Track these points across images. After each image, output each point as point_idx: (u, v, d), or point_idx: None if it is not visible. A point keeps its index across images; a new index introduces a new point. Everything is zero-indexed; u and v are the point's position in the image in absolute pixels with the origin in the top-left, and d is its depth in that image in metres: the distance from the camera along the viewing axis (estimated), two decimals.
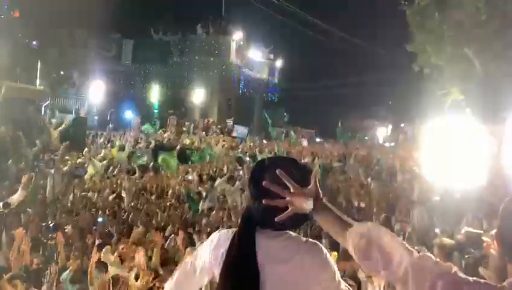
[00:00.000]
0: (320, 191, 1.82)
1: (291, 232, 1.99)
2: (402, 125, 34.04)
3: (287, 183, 1.76)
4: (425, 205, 7.78)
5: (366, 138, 34.07)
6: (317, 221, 1.83)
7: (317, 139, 33.70)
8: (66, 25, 32.72)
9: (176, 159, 16.15)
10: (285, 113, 39.06)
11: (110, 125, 26.09)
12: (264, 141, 25.69)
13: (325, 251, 1.97)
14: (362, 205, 9.23)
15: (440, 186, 7.58)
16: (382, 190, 10.16)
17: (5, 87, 14.13)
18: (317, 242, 1.99)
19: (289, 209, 1.77)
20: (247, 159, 16.29)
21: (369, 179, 12.39)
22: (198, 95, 31.53)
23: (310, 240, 2.00)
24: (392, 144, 30.64)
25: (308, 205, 1.77)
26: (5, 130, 14.13)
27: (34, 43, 23.83)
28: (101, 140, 19.80)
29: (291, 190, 1.76)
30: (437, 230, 6.70)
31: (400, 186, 10.68)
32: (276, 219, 1.78)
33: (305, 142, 27.62)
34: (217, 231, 2.16)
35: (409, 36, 21.00)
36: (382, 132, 38.50)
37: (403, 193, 9.49)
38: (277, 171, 1.77)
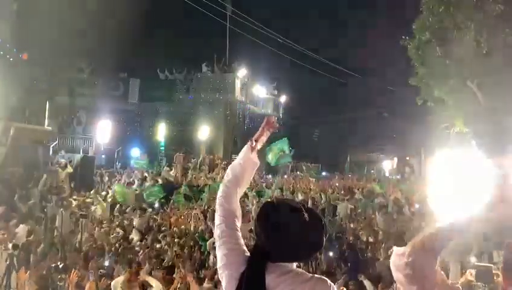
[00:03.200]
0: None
1: (298, 269, 2.07)
2: (407, 158, 34.04)
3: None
4: None
5: (372, 171, 34.04)
6: None
7: (323, 173, 33.69)
8: (74, 66, 33.45)
9: (182, 196, 16.19)
10: (290, 148, 39.11)
11: (118, 163, 26.22)
12: (269, 176, 25.68)
13: (332, 286, 2.01)
14: (371, 239, 9.20)
15: (446, 218, 7.54)
16: (389, 223, 10.14)
17: (14, 129, 14.35)
18: (324, 278, 2.04)
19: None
20: (253, 194, 16.32)
21: (376, 213, 12.37)
22: (204, 132, 31.75)
23: (316, 276, 2.05)
24: (398, 176, 30.58)
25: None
26: (13, 170, 14.26)
27: (43, 84, 24.25)
28: (108, 179, 19.87)
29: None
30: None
31: (407, 218, 10.65)
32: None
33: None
34: None
35: (412, 70, 21.25)
36: (388, 165, 38.46)
37: (410, 225, 9.47)
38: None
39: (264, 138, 2.50)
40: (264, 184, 21.93)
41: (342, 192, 18.49)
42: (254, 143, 2.42)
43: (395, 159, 38.77)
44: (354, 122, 41.13)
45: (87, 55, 34.00)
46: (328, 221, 11.52)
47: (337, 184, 21.27)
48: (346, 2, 43.44)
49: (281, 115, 42.64)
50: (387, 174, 34.43)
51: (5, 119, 15.33)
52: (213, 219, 2.13)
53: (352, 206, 14.62)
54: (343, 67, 38.22)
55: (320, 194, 17.08)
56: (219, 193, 2.31)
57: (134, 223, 12.39)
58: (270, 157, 23.71)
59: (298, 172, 29.81)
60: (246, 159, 2.39)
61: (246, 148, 2.43)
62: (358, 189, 18.84)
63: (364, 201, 14.68)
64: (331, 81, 39.04)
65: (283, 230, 1.97)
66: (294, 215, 1.99)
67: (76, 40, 34.39)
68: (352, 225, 10.89)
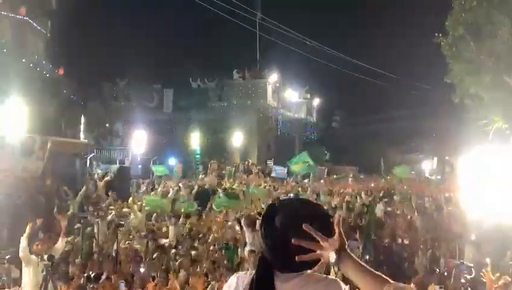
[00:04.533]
0: (345, 241, 1.80)
1: (308, 271, 1.95)
2: (447, 157, 33.20)
3: (315, 236, 1.77)
4: (473, 240, 7.47)
5: (413, 172, 33.39)
6: (342, 271, 1.79)
7: (361, 176, 33.24)
8: (109, 79, 34.27)
9: (217, 203, 16.25)
10: (326, 152, 38.87)
11: (154, 173, 26.60)
12: (305, 181, 25.50)
13: (343, 287, 1.91)
14: (406, 241, 8.95)
15: (486, 218, 7.29)
16: (427, 224, 9.85)
17: (51, 143, 14.70)
18: (336, 278, 1.95)
19: (313, 254, 1.77)
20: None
21: (415, 214, 12.05)
22: (237, 139, 31.85)
23: (329, 277, 1.96)
24: (439, 177, 29.88)
25: (332, 256, 1.77)
26: (51, 183, 14.61)
27: (78, 98, 24.88)
28: (145, 188, 20.14)
29: (321, 243, 1.76)
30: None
31: (447, 220, 10.33)
32: (296, 259, 1.76)
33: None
34: (234, 275, 2.13)
35: (447, 68, 20.77)
36: (428, 165, 37.62)
37: (449, 227, 9.18)
38: (304, 226, 1.77)
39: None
40: (299, 188, 21.81)
41: (381, 194, 18.21)
42: None
43: (435, 159, 37.86)
44: (390, 122, 40.51)
45: (122, 68, 34.83)
46: (365, 223, 11.32)
47: (372, 185, 20.91)
48: (375, 2, 42.80)
49: (314, 118, 42.41)
50: (427, 174, 33.67)
51: (42, 134, 15.74)
52: (247, 225, 2.05)
53: (390, 209, 14.32)
54: (376, 68, 37.74)
55: (356, 197, 16.82)
56: None
57: (170, 231, 12.46)
58: (296, 170, 23.66)
59: (335, 175, 29.49)
60: None
61: None
62: (395, 190, 18.49)
63: (402, 202, 14.36)
64: (365, 82, 38.61)
65: (283, 235, 1.84)
66: (295, 215, 1.85)
67: (111, 54, 35.29)
68: (389, 227, 10.64)
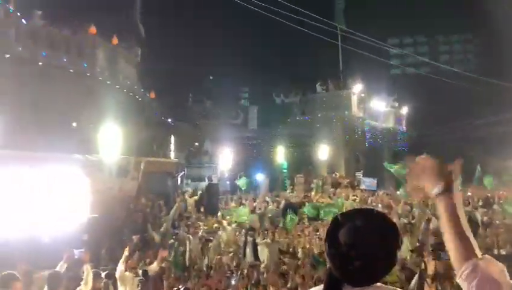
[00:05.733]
0: (453, 180, 1.75)
1: (378, 283, 1.82)
2: None
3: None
4: None
5: None
6: (438, 208, 1.74)
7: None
8: (196, 99, 35.61)
9: (308, 216, 16.13)
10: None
11: (242, 188, 27.00)
12: (398, 192, 24.54)
13: None
14: (503, 252, 8.28)
15: None
16: None
17: (144, 163, 15.40)
18: None
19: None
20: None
21: None
22: (323, 151, 31.50)
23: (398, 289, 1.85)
24: None
25: (438, 187, 1.74)
26: (146, 201, 15.28)
27: (168, 119, 26.01)
28: (233, 204, 20.47)
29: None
30: None
31: None
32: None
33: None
34: None
35: None
36: None
37: None
38: None
39: None
40: (390, 200, 21.07)
41: (480, 203, 17.16)
42: None
43: None
44: (488, 127, 38.11)
45: (208, 88, 36.08)
46: None
47: (469, 193, 19.69)
48: (461, 4, 40.78)
49: (404, 127, 41.02)
50: None
51: (135, 155, 16.56)
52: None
53: (487, 217, 13.40)
54: (466, 71, 35.84)
55: None
56: None
57: (258, 245, 12.51)
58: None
59: None
60: None
61: None
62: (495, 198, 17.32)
63: (502, 210, 13.40)
64: (456, 87, 36.73)
65: (347, 250, 1.77)
66: (358, 228, 1.78)
67: (197, 75, 36.66)
68: (488, 237, 9.92)
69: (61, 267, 6.64)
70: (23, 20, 19.13)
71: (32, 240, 6.71)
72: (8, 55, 18.25)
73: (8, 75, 17.42)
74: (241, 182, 23.31)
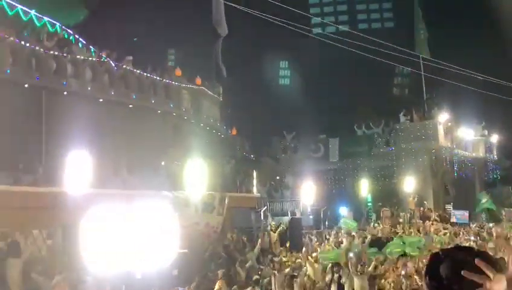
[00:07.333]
0: None
1: None
2: None
3: (486, 271, 1.74)
4: None
5: None
6: None
7: None
8: (276, 133, 36.11)
9: (393, 251, 15.50)
10: None
11: (326, 223, 26.60)
12: (490, 225, 23.12)
13: None
14: None
15: None
16: None
17: (229, 198, 15.74)
18: None
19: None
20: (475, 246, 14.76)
21: None
22: (409, 183, 30.37)
23: None
24: None
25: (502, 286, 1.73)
26: (231, 236, 15.52)
27: (250, 154, 26.48)
28: (317, 239, 20.17)
29: (491, 277, 1.73)
30: None
31: None
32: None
33: None
34: None
35: None
36: None
37: None
38: (476, 260, 1.76)
39: None
40: (485, 234, 19.87)
41: None
42: None
43: None
44: None
45: (288, 122, 36.45)
46: None
47: None
48: None
49: (495, 156, 38.84)
50: None
51: (220, 190, 16.96)
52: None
53: None
54: None
55: None
56: None
57: (343, 281, 12.20)
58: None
59: None
60: None
61: None
62: None
63: None
64: None
65: (449, 285, 1.83)
66: (460, 264, 1.81)
67: (276, 110, 37.19)
68: None
69: None
70: (114, 66, 20.51)
71: (127, 276, 7.00)
72: (101, 100, 19.59)
73: (101, 118, 18.66)
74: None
